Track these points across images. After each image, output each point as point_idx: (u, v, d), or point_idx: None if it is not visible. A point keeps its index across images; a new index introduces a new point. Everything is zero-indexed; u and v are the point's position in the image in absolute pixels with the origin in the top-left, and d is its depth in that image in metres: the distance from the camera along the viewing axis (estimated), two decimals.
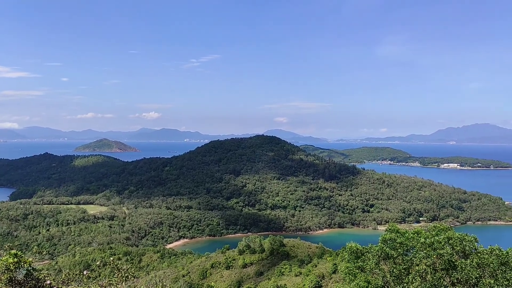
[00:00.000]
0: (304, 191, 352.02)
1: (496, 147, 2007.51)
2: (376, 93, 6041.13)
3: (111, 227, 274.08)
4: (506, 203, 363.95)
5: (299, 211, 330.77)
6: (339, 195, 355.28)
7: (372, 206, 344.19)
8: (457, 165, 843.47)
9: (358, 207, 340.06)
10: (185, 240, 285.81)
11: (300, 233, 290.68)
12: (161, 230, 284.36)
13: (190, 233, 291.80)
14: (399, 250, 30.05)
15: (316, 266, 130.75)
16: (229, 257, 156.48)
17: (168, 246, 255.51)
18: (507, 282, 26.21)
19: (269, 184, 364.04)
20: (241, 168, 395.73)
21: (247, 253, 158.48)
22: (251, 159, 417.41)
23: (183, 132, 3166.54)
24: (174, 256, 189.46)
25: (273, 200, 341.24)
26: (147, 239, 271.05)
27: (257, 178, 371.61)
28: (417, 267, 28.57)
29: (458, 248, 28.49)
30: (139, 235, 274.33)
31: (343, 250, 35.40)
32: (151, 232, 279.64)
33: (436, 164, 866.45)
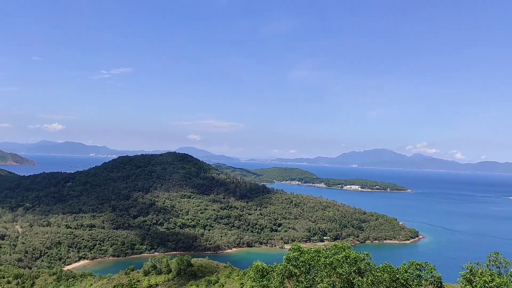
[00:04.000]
0: (214, 209, 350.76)
1: (392, 171, 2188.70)
2: (287, 115, 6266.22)
3: (0, 247, 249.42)
4: (400, 223, 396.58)
5: (209, 230, 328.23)
6: (249, 214, 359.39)
7: (280, 225, 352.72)
8: (358, 187, 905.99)
9: (266, 226, 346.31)
10: (86, 261, 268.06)
11: (209, 252, 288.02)
12: (58, 250, 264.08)
13: (91, 253, 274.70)
14: (302, 268, 31.13)
15: (223, 286, 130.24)
16: (133, 279, 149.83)
17: (66, 267, 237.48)
18: None
19: (179, 202, 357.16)
20: (151, 186, 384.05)
21: (152, 274, 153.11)
22: (161, 177, 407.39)
23: (89, 146, 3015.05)
24: (72, 279, 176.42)
25: (183, 218, 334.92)
26: (42, 260, 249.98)
27: (167, 196, 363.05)
28: (318, 285, 29.77)
29: (355, 266, 30.30)
30: (33, 256, 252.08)
31: (249, 269, 35.84)
32: (47, 252, 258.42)
33: (340, 185, 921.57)
